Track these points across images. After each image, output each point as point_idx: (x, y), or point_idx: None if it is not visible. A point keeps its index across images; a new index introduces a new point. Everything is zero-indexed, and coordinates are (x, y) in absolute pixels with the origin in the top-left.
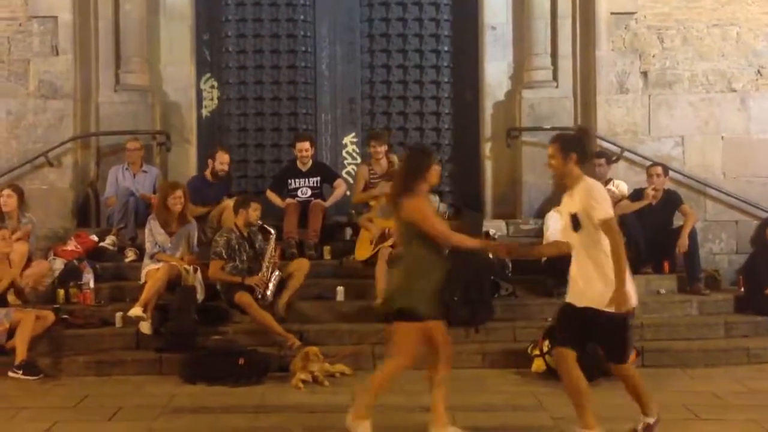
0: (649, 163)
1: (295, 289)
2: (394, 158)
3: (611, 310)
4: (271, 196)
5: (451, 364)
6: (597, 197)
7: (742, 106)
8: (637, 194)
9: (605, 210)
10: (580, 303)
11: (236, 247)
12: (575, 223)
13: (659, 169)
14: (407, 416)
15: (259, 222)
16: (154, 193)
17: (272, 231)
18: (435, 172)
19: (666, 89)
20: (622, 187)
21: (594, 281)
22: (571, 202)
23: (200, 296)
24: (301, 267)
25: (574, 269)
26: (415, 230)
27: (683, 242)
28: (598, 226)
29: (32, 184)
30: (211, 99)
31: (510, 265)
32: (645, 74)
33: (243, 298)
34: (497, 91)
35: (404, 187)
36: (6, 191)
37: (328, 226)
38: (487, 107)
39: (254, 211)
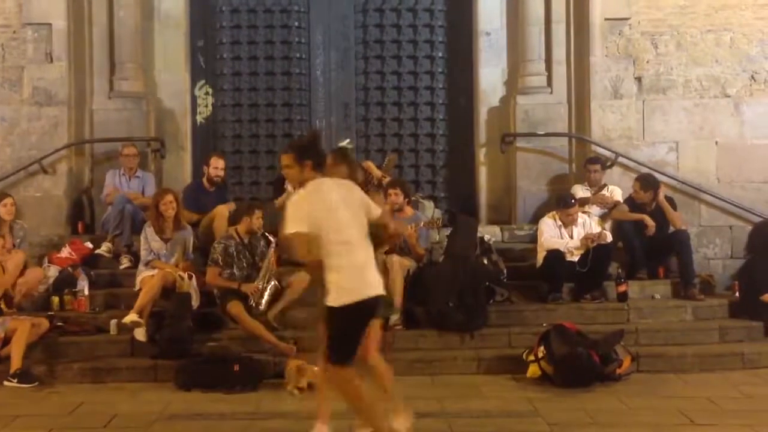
0: (644, 168)
1: (290, 300)
2: (370, 164)
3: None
4: (280, 201)
5: None
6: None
7: (736, 111)
8: (631, 200)
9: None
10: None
11: (234, 254)
12: None
13: (637, 185)
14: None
15: (261, 230)
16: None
17: (272, 239)
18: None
19: (660, 95)
20: (616, 192)
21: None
22: None
23: (195, 303)
24: (301, 280)
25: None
26: None
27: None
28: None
29: (26, 192)
30: (206, 105)
31: (505, 271)
32: (639, 80)
33: (233, 309)
34: (491, 97)
35: None
36: (8, 200)
37: None
38: (481, 113)
39: (257, 219)
